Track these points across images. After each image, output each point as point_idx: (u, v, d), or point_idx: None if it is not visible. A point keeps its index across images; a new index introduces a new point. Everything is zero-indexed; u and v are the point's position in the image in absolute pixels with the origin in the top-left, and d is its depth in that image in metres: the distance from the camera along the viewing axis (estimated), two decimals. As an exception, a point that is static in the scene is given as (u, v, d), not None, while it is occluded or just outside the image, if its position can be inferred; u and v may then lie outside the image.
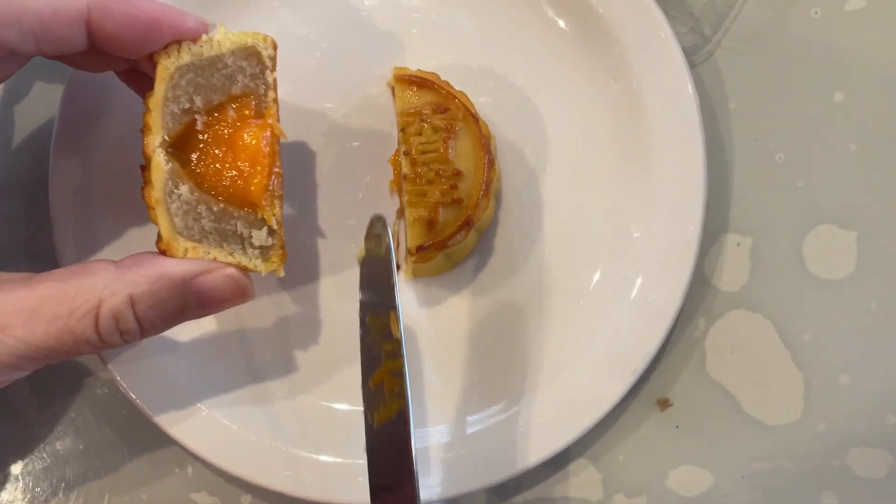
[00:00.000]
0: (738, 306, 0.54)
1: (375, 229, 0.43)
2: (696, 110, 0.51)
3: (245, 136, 0.43)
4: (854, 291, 0.54)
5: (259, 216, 0.44)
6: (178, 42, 0.43)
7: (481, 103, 0.53)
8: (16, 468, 0.55)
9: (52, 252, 0.51)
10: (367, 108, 0.54)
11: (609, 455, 0.54)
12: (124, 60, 0.45)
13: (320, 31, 0.54)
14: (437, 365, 0.53)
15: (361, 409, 0.52)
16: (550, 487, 0.54)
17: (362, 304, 0.42)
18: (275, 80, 0.45)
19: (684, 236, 0.51)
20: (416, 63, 0.53)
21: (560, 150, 0.54)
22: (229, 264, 0.43)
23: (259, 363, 0.53)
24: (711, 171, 0.53)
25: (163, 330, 0.43)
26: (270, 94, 0.44)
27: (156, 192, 0.42)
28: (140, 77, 0.46)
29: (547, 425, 0.51)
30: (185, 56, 0.43)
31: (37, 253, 0.55)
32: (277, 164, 0.44)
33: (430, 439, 0.52)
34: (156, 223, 0.42)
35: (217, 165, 0.43)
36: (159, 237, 0.42)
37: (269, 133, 0.44)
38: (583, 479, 0.54)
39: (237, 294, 0.43)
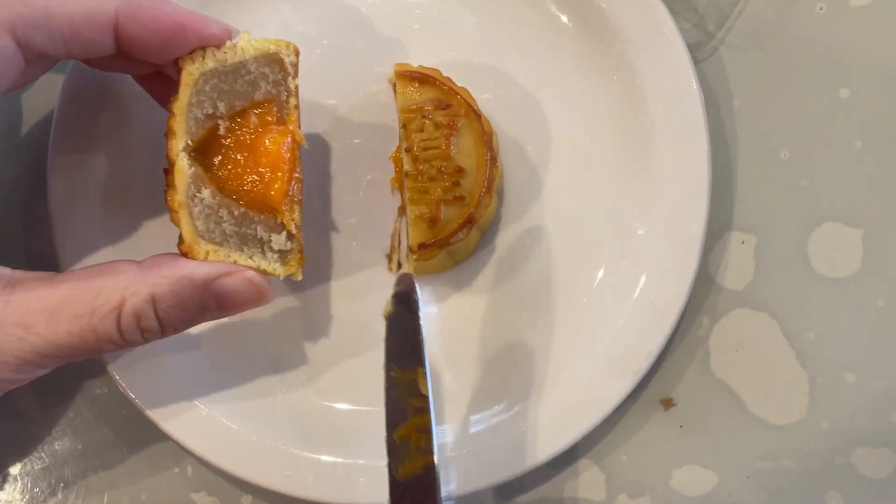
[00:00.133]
0: (743, 305, 0.54)
1: (404, 286, 0.42)
2: (700, 107, 0.51)
3: (266, 141, 0.44)
4: (859, 289, 0.54)
5: (279, 221, 0.44)
6: (203, 48, 0.43)
7: (483, 100, 0.53)
8: (14, 468, 0.54)
9: (51, 251, 0.51)
10: (368, 104, 0.54)
11: (612, 455, 0.54)
12: (149, 65, 0.45)
13: (321, 28, 0.54)
14: (438, 364, 0.53)
15: (361, 409, 0.52)
16: (553, 488, 0.54)
17: (388, 358, 0.41)
18: (296, 87, 0.45)
19: (688, 234, 0.51)
20: (418, 60, 0.52)
21: (563, 146, 0.54)
22: (249, 267, 0.44)
23: (259, 362, 0.53)
24: (715, 168, 0.53)
25: (182, 330, 0.44)
26: (292, 100, 0.45)
27: (179, 196, 0.43)
28: (164, 82, 0.47)
29: (550, 425, 0.51)
30: (210, 62, 0.44)
31: (37, 252, 0.54)
32: (298, 169, 0.45)
33: (431, 439, 0.51)
34: (178, 226, 0.43)
35: (238, 170, 0.44)
36: (181, 239, 0.43)
37: (290, 139, 0.44)
38: (586, 479, 0.54)
39: (256, 297, 0.44)
